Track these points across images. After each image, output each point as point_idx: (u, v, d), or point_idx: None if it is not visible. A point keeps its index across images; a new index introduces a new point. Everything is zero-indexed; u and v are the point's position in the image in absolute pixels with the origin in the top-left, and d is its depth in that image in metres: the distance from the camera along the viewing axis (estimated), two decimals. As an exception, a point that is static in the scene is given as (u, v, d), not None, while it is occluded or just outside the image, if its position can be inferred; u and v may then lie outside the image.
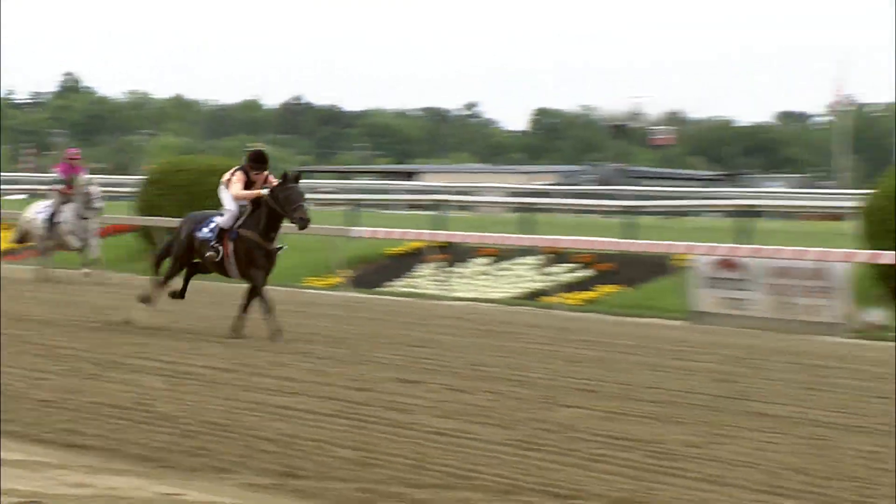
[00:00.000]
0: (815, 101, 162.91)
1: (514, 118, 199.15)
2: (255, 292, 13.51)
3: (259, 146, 20.96)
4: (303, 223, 13.30)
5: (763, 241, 20.03)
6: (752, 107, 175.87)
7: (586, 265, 20.79)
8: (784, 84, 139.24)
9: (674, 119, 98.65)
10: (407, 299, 20.22)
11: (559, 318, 17.40)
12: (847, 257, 16.66)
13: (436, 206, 27.21)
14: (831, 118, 76.49)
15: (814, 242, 19.06)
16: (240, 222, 13.63)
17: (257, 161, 13.82)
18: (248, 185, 13.67)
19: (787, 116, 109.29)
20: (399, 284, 21.82)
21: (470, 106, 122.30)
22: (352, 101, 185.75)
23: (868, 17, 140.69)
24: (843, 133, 65.37)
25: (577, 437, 8.51)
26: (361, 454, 7.83)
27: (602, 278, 20.38)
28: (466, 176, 56.13)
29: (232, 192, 13.68)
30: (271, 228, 13.56)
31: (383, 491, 6.99)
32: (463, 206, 32.21)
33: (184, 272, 14.19)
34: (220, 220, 13.74)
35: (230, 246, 13.62)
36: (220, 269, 13.85)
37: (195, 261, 14.05)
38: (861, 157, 77.60)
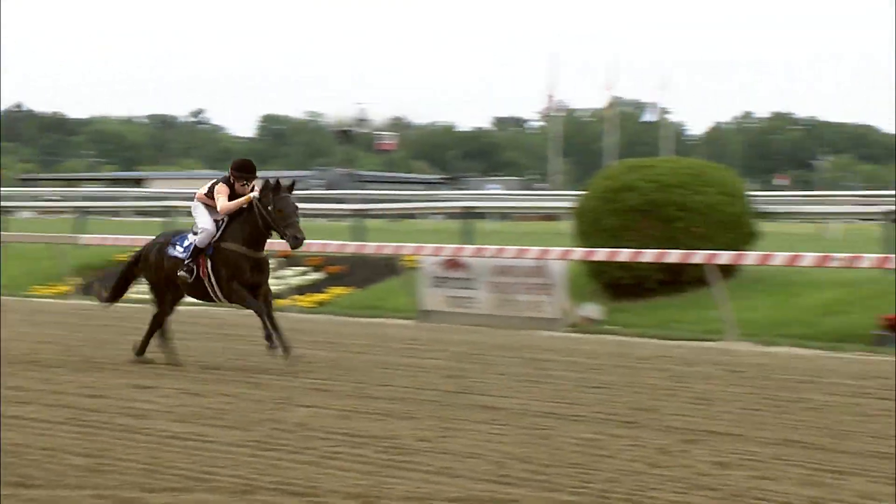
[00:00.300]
0: (528, 107, 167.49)
1: (241, 124, 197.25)
2: (262, 314, 11.83)
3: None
4: (296, 243, 11.72)
5: (485, 241, 20.62)
6: (471, 112, 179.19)
7: (317, 268, 20.97)
8: (500, 90, 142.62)
9: (398, 125, 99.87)
10: (139, 305, 19.92)
11: (292, 320, 17.42)
12: (564, 255, 17.34)
13: (165, 212, 26.87)
14: (544, 123, 79.04)
15: (532, 242, 19.75)
16: (217, 236, 12.08)
17: (242, 170, 12.08)
18: (233, 198, 12.11)
19: (503, 121, 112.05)
20: (130, 291, 21.47)
21: (196, 113, 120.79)
22: (76, 108, 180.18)
23: (578, 25, 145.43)
24: (555, 138, 67.66)
25: (312, 435, 8.67)
26: (95, 461, 7.79)
27: (333, 280, 20.59)
28: (196, 182, 55.46)
29: (219, 207, 12.05)
30: (259, 237, 12.00)
31: (118, 496, 6.99)
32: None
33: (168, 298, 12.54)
34: (194, 239, 12.18)
35: (207, 263, 12.03)
36: (198, 292, 12.27)
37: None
38: (572, 160, 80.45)
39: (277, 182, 11.89)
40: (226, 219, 12.08)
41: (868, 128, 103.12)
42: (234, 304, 12.44)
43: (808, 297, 16.98)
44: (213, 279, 12.07)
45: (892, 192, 27.69)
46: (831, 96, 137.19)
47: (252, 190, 12.06)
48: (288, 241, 11.81)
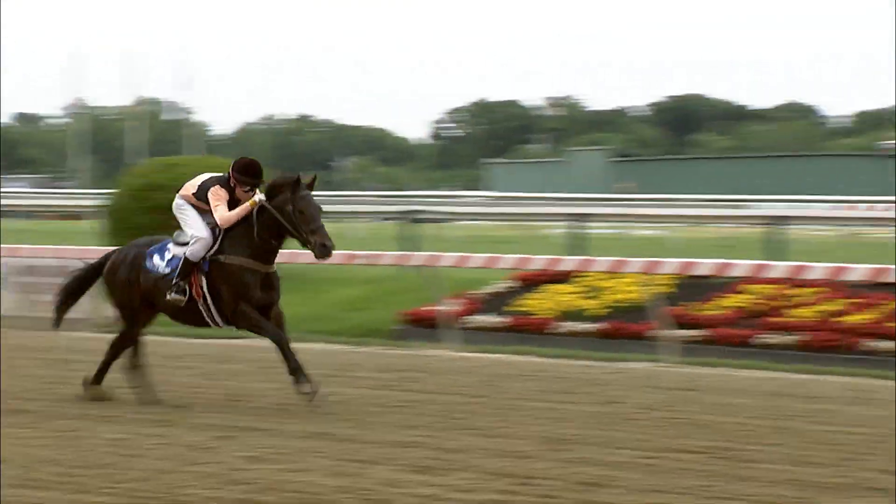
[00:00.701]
0: (50, 104, 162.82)
1: None
2: (283, 342, 9.69)
3: None
4: (324, 252, 9.63)
5: (8, 240, 19.92)
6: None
7: None
8: (20, 85, 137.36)
9: None
10: None
11: None
12: (83, 254, 17.01)
13: None
14: (69, 120, 77.28)
15: (57, 241, 19.26)
16: (214, 249, 9.81)
17: (247, 174, 9.75)
18: (233, 205, 9.83)
19: (25, 118, 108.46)
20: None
21: None
22: None
23: (99, 20, 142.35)
24: (79, 135, 66.26)
25: None
26: None
27: None
28: None
29: (218, 218, 9.75)
30: (269, 246, 9.78)
31: None
32: None
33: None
34: (183, 251, 9.81)
35: (202, 281, 9.78)
36: (191, 316, 9.96)
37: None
38: (97, 157, 79.00)
39: (297, 178, 9.70)
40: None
41: (382, 131, 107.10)
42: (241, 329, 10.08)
43: (336, 294, 17.59)
44: (209, 300, 9.83)
45: (408, 192, 29.28)
46: (349, 100, 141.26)
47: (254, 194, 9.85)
48: (314, 249, 9.69)
